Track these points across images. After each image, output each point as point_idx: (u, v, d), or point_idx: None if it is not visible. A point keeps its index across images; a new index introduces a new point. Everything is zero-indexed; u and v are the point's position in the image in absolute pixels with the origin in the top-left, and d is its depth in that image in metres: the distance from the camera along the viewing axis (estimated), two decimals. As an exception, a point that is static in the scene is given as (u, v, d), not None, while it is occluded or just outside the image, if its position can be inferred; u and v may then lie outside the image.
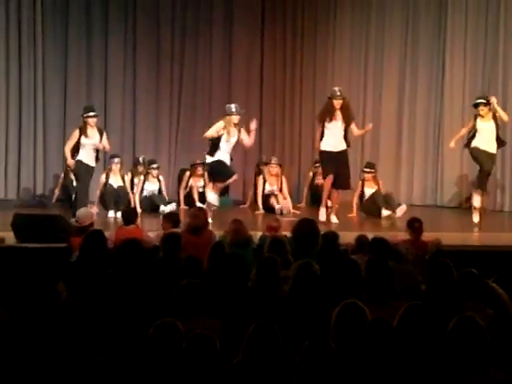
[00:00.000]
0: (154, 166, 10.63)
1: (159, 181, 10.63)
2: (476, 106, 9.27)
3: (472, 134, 9.22)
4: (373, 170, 10.37)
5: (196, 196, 10.73)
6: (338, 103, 8.95)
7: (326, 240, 6.03)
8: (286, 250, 5.60)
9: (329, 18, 12.10)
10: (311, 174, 11.54)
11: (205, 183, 10.94)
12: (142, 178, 10.61)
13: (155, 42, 11.93)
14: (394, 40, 11.77)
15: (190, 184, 10.95)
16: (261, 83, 12.18)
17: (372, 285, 4.42)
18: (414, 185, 11.72)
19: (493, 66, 10.97)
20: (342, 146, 9.02)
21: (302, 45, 12.17)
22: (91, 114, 8.90)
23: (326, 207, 9.13)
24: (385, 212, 9.82)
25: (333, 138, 8.95)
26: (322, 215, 9.03)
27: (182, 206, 10.83)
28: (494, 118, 9.17)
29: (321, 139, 9.02)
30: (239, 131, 8.93)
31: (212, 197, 9.02)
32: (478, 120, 9.12)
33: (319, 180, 11.06)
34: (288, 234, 6.32)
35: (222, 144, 8.83)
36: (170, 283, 4.67)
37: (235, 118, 8.85)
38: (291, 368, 3.20)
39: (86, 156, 8.82)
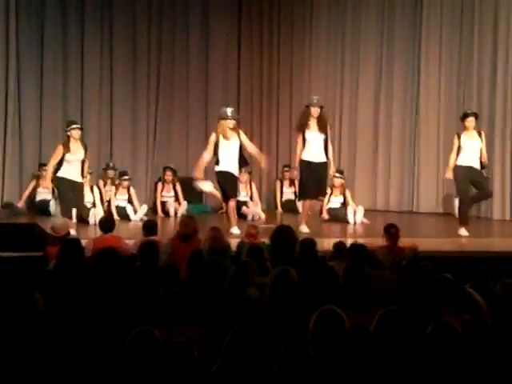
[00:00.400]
0: (126, 177, 10.67)
1: (129, 192, 10.64)
2: (465, 116, 8.91)
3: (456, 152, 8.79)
4: (342, 176, 10.60)
5: (168, 207, 10.80)
6: (315, 111, 8.79)
7: (304, 247, 6.05)
8: (263, 256, 5.61)
9: (305, 21, 12.13)
10: (278, 182, 11.65)
11: (175, 192, 10.94)
12: (112, 186, 10.68)
13: (131, 45, 11.89)
14: (369, 43, 11.83)
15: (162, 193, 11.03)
16: (238, 84, 12.20)
17: (349, 291, 4.43)
18: (391, 191, 11.79)
19: (467, 71, 11.06)
20: (323, 158, 8.75)
21: (279, 46, 12.20)
22: (74, 126, 8.79)
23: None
24: (351, 219, 10.13)
25: (313, 148, 8.69)
26: (305, 229, 8.71)
27: (160, 213, 10.85)
28: (480, 136, 8.83)
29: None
30: (238, 134, 8.68)
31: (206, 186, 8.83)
32: (463, 137, 8.79)
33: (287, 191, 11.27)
34: (266, 240, 6.33)
35: (221, 148, 8.56)
36: (147, 291, 4.66)
37: (230, 123, 8.64)
38: (269, 375, 3.20)
39: (71, 171, 8.59)
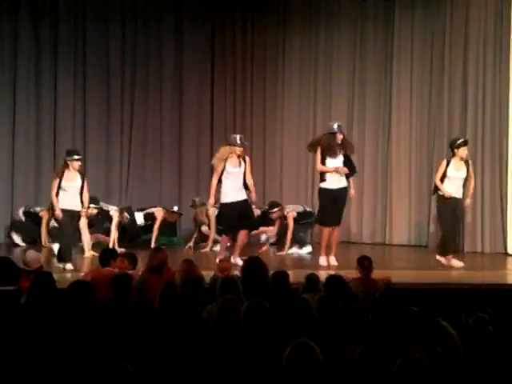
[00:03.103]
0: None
1: None
2: (462, 144, 8.83)
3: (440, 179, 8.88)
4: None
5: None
6: (339, 137, 8.99)
7: (277, 279, 6.05)
8: (238, 289, 5.60)
9: (277, 64, 12.17)
10: None
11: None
12: None
13: (105, 90, 11.87)
14: (341, 86, 11.96)
15: None
16: (211, 122, 12.21)
17: (323, 324, 4.43)
18: (364, 223, 11.84)
19: (438, 103, 11.21)
20: (343, 183, 8.98)
21: (252, 93, 12.22)
22: (76, 157, 8.66)
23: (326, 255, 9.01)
24: None
25: (335, 175, 8.93)
26: (323, 261, 8.94)
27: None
28: (467, 166, 8.90)
29: (324, 178, 8.96)
30: (244, 162, 8.95)
31: None
32: (451, 165, 8.83)
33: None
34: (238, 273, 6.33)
35: (226, 175, 8.87)
36: (120, 324, 4.62)
37: (238, 150, 8.92)
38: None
39: (69, 200, 8.51)
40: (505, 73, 10.49)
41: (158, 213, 10.82)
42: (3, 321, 4.61)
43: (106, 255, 6.91)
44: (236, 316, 4.58)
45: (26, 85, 11.55)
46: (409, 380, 3.31)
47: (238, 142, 8.95)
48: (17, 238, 10.80)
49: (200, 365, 3.51)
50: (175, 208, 11.09)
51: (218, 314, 4.66)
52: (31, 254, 6.91)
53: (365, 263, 6.64)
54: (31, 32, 11.55)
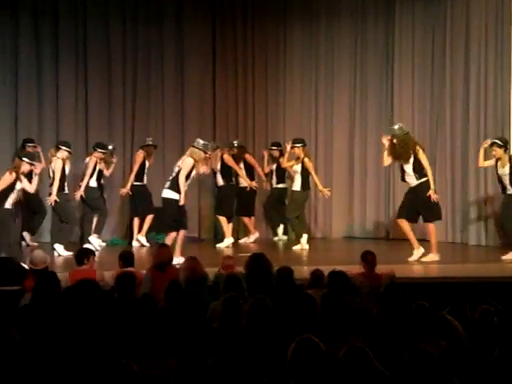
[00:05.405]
0: None
1: None
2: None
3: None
4: None
5: None
6: None
7: (282, 275, 6.05)
8: (242, 286, 5.60)
9: (279, 60, 12.13)
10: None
11: None
12: None
13: (106, 88, 11.86)
14: (343, 82, 11.96)
15: None
16: (213, 127, 12.17)
17: (328, 319, 4.43)
18: (367, 218, 11.83)
19: (440, 101, 11.19)
20: None
21: (254, 91, 12.14)
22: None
23: None
24: None
25: None
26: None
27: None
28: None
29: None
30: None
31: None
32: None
33: None
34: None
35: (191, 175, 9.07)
36: (125, 323, 4.63)
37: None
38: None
39: None
40: (507, 67, 10.42)
41: (138, 156, 11.06)
42: (8, 321, 4.61)
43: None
44: (239, 313, 4.58)
45: (27, 79, 11.59)
46: (417, 372, 3.31)
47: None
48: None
49: (204, 362, 3.51)
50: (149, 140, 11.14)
51: (222, 311, 4.66)
52: (38, 253, 6.90)
53: (368, 258, 6.63)
54: (31, 28, 11.59)
